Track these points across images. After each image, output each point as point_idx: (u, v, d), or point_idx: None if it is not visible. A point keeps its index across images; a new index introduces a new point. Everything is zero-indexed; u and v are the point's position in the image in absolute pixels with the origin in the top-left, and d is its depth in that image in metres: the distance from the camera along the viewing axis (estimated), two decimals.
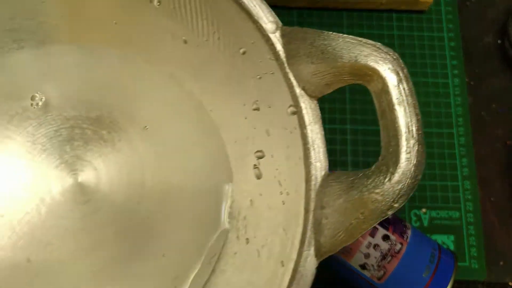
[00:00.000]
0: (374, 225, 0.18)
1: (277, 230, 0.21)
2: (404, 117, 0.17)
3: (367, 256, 0.31)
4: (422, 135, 0.18)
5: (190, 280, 0.25)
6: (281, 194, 0.21)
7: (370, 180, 0.18)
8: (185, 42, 0.25)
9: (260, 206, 0.23)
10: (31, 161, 0.27)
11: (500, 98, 0.42)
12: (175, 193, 0.26)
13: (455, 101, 0.41)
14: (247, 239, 0.23)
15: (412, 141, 0.17)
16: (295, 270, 0.19)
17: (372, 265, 0.31)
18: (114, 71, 0.27)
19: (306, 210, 0.20)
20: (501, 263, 0.37)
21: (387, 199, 0.17)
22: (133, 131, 0.27)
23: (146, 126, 0.27)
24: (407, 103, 0.17)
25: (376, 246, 0.31)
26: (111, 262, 0.26)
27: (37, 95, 0.27)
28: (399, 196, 0.17)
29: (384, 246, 0.31)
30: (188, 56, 0.25)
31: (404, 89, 0.18)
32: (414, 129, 0.17)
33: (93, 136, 0.27)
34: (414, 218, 0.37)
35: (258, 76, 0.22)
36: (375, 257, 0.31)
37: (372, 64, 0.18)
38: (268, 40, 0.21)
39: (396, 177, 0.17)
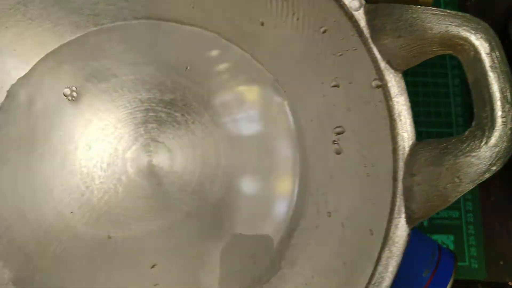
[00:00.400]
0: (470, 188, 0.18)
1: (362, 202, 0.22)
2: (498, 83, 0.18)
3: None
4: None
5: (269, 257, 0.25)
6: (365, 166, 0.22)
7: (465, 145, 0.18)
8: (262, 24, 0.26)
9: (341, 181, 0.23)
10: (108, 143, 0.28)
11: None
12: (248, 173, 0.27)
13: (455, 101, 0.41)
14: (328, 212, 0.23)
15: (507, 106, 0.18)
16: (386, 238, 0.20)
17: None
18: (188, 53, 0.28)
19: (394, 179, 0.20)
20: (501, 262, 0.37)
21: (485, 162, 0.18)
22: (207, 113, 0.28)
23: (218, 109, 0.28)
24: (501, 70, 0.18)
25: None
26: (186, 241, 0.27)
27: (113, 78, 0.28)
28: (496, 159, 0.18)
29: None
30: (265, 37, 0.26)
31: (496, 56, 0.18)
32: (508, 94, 0.18)
33: (167, 119, 0.28)
34: None
35: (339, 54, 0.23)
36: None
37: (464, 33, 0.19)
38: (351, 17, 0.22)
39: (493, 140, 0.18)
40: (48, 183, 0.27)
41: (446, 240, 0.37)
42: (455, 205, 0.38)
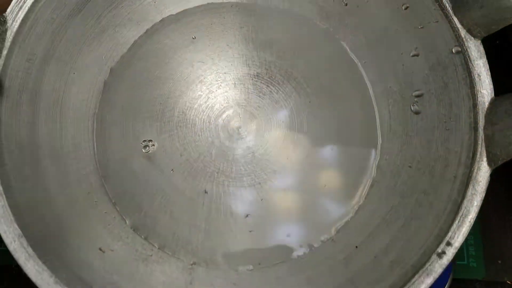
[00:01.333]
0: None
1: (443, 152, 0.25)
2: None
3: None
4: None
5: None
6: (445, 122, 0.25)
7: None
8: (346, 4, 0.29)
9: (420, 136, 0.26)
10: (201, 112, 0.31)
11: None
12: (328, 141, 0.30)
13: None
14: (409, 166, 0.27)
15: None
16: (470, 177, 0.23)
17: None
18: (275, 31, 0.31)
19: (475, 129, 0.23)
20: (499, 261, 0.37)
21: None
22: (289, 85, 0.31)
23: (300, 81, 0.31)
24: None
25: None
26: (274, 194, 0.30)
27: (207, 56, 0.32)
28: None
29: None
30: (347, 16, 0.29)
31: None
32: None
33: (253, 90, 0.32)
34: None
35: (420, 26, 0.26)
36: None
37: None
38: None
39: None
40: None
41: None
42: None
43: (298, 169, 0.30)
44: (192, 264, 0.27)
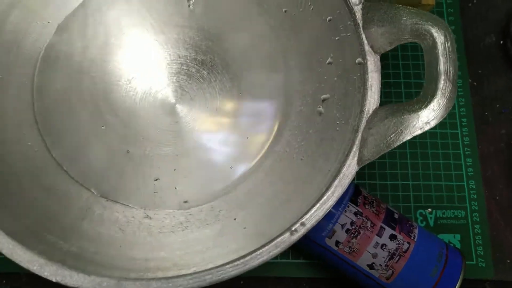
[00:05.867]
0: (409, 139, 0.22)
1: (329, 149, 0.26)
2: (444, 65, 0.22)
3: (374, 256, 0.30)
4: (456, 80, 0.22)
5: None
6: (337, 123, 0.27)
7: (410, 107, 0.23)
8: (285, 12, 0.31)
9: (316, 135, 0.28)
10: (145, 82, 0.33)
11: (503, 98, 0.40)
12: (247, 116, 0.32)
13: (458, 102, 0.40)
14: (301, 159, 0.28)
15: (448, 83, 0.22)
16: (339, 171, 0.24)
17: (380, 265, 0.30)
18: (225, 24, 0.34)
19: (356, 131, 0.25)
20: (508, 261, 0.36)
21: (422, 120, 0.22)
22: (227, 75, 0.33)
23: (237, 72, 0.33)
24: (449, 56, 0.23)
25: (383, 246, 0.30)
26: (186, 168, 0.31)
27: (161, 35, 0.34)
28: (432, 119, 0.22)
29: (392, 245, 0.30)
30: (285, 20, 0.31)
31: (448, 47, 0.23)
32: (451, 75, 0.22)
33: (196, 74, 0.34)
34: (420, 218, 0.37)
35: (337, 38, 0.28)
36: (383, 257, 0.30)
37: (428, 27, 0.23)
38: (351, 10, 0.27)
39: (431, 105, 0.22)
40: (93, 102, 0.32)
41: (453, 239, 0.36)
42: (461, 205, 0.37)
43: (216, 150, 0.32)
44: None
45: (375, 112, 0.25)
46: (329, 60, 0.29)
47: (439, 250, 0.31)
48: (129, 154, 0.31)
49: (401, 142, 0.22)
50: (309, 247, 0.32)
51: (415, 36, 0.24)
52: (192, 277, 0.22)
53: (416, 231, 0.31)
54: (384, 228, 0.31)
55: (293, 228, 0.23)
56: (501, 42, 0.42)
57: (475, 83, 0.41)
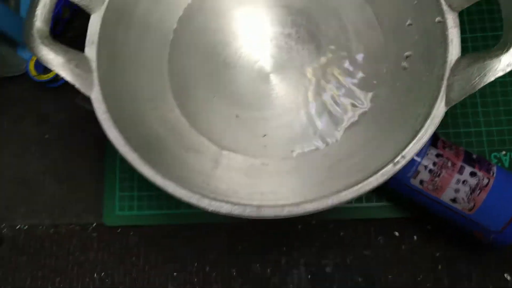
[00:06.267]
0: (492, 81, 0.26)
1: (416, 97, 0.31)
2: None
3: (457, 191, 0.33)
4: None
5: None
6: (422, 75, 0.31)
7: (492, 54, 0.27)
8: None
9: (405, 84, 0.33)
10: (245, 54, 0.39)
11: None
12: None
13: None
14: (395, 109, 0.33)
15: None
16: (429, 113, 0.29)
17: (463, 198, 0.33)
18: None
19: (442, 79, 0.29)
20: None
21: (503, 63, 0.26)
22: (314, 43, 0.38)
23: (323, 40, 0.38)
24: None
25: (464, 181, 0.33)
26: (283, 127, 0.37)
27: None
28: (511, 63, 0.26)
29: (472, 181, 0.33)
30: None
31: None
32: None
33: (284, 45, 0.39)
34: (495, 161, 0.39)
35: (415, 2, 0.32)
36: (465, 191, 0.33)
37: None
38: None
39: (511, 51, 0.26)
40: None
41: None
42: None
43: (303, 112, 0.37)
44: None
45: (458, 61, 0.29)
46: (408, 22, 0.33)
47: None
48: (238, 118, 0.37)
49: (485, 83, 0.27)
50: (396, 188, 0.37)
51: None
52: (317, 202, 0.27)
53: (495, 168, 0.35)
54: (464, 167, 0.34)
55: (395, 161, 0.28)
56: None
57: None
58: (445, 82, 0.29)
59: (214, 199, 0.28)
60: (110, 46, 0.33)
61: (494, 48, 0.27)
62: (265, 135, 0.36)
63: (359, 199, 0.40)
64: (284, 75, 0.38)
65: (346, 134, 0.34)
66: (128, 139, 0.29)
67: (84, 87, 0.30)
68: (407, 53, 0.33)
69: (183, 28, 0.38)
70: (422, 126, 0.28)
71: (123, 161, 0.41)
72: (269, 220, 0.38)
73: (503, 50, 0.26)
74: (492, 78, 0.26)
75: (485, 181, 0.34)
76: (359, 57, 0.36)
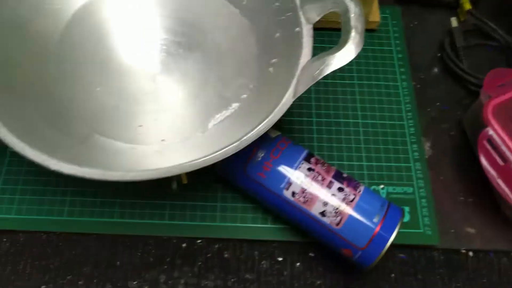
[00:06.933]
0: (327, 73, 0.30)
1: (275, 93, 0.34)
2: (354, 22, 0.31)
3: (325, 204, 0.35)
4: (362, 33, 0.31)
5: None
6: (282, 76, 0.34)
7: (330, 52, 0.31)
8: (244, 3, 0.40)
9: (270, 83, 0.36)
10: (136, 56, 0.41)
11: (442, 99, 0.48)
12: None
13: (404, 100, 0.47)
14: (256, 104, 0.36)
15: (356, 34, 0.30)
16: (278, 104, 0.31)
17: (330, 212, 0.35)
18: (197, 13, 0.42)
19: (293, 76, 0.32)
20: (452, 231, 0.41)
21: (338, 58, 0.30)
22: (199, 52, 0.41)
23: (208, 48, 0.41)
24: (357, 17, 0.31)
25: (333, 195, 0.35)
26: (165, 124, 0.38)
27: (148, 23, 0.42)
28: (345, 57, 0.30)
29: (340, 195, 0.36)
30: (244, 10, 0.40)
31: (356, 11, 0.31)
32: (359, 29, 0.31)
33: (174, 52, 0.41)
34: None
35: (282, 17, 0.36)
36: (332, 205, 0.35)
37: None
38: None
39: (344, 48, 0.30)
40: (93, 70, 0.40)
41: None
42: (409, 183, 0.43)
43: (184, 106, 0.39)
44: None
45: (308, 62, 0.32)
46: (277, 34, 0.37)
47: (382, 202, 0.36)
48: (118, 109, 0.38)
49: (323, 75, 0.30)
50: (269, 200, 0.38)
51: (334, 6, 0.32)
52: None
53: (362, 187, 0.37)
54: (333, 182, 0.36)
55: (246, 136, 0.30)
56: (438, 54, 0.51)
57: (418, 86, 0.49)
58: (295, 79, 0.32)
59: (63, 160, 0.28)
60: None
61: (333, 48, 0.31)
62: (140, 125, 0.37)
63: (254, 218, 0.41)
64: (170, 77, 0.40)
65: (216, 126, 0.37)
66: None
67: None
68: (273, 60, 0.36)
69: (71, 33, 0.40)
70: (272, 111, 0.31)
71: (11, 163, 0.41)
72: (152, 236, 0.39)
73: (338, 49, 0.30)
74: (329, 71, 0.30)
75: (351, 196, 0.36)
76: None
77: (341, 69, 0.48)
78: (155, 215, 0.41)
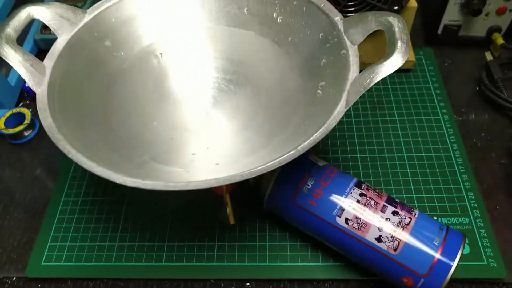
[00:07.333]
0: (378, 80, 0.31)
1: (327, 112, 0.35)
2: (399, 34, 0.32)
3: (380, 229, 0.34)
4: (407, 43, 0.32)
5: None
6: (329, 93, 0.36)
7: (378, 62, 0.32)
8: (290, 40, 0.43)
9: (317, 106, 0.37)
10: (190, 93, 0.44)
11: (487, 129, 0.48)
12: (266, 95, 0.41)
13: (447, 132, 0.48)
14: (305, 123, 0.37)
15: (402, 44, 0.32)
16: (332, 113, 0.32)
17: (387, 237, 0.34)
18: (243, 52, 0.45)
19: (343, 90, 0.34)
20: None
21: (386, 67, 0.31)
22: (250, 87, 0.44)
23: (258, 84, 0.43)
24: (402, 30, 0.33)
25: (387, 219, 0.34)
26: (214, 156, 0.40)
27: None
28: (392, 66, 0.31)
29: (395, 219, 0.34)
30: (290, 45, 0.42)
31: (400, 25, 0.33)
32: (405, 39, 0.32)
33: (225, 88, 0.44)
34: None
35: (327, 45, 0.39)
36: (388, 230, 0.34)
37: (386, 17, 0.34)
38: (335, 25, 0.38)
39: (392, 57, 0.31)
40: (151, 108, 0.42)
41: None
42: (464, 213, 0.41)
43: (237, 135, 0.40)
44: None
45: (357, 77, 0.34)
46: (323, 61, 0.39)
47: (439, 225, 0.35)
48: (173, 139, 0.40)
49: (374, 83, 0.31)
50: (320, 229, 0.37)
51: (378, 25, 0.34)
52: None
53: (417, 211, 0.36)
54: (387, 206, 0.35)
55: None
56: (477, 88, 0.52)
57: (460, 118, 0.49)
58: (346, 92, 0.33)
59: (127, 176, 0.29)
60: (66, 65, 0.38)
61: (381, 59, 0.32)
62: (194, 153, 0.39)
63: (304, 257, 0.40)
64: (221, 110, 0.42)
65: (268, 149, 0.38)
66: (59, 128, 0.32)
67: (33, 83, 0.34)
68: (321, 83, 0.38)
69: (134, 67, 0.44)
70: (327, 120, 0.32)
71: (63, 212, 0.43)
72: (201, 280, 0.39)
73: (386, 59, 0.32)
74: (379, 79, 0.31)
75: (407, 219, 0.35)
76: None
77: (381, 107, 0.49)
78: (202, 257, 0.41)
